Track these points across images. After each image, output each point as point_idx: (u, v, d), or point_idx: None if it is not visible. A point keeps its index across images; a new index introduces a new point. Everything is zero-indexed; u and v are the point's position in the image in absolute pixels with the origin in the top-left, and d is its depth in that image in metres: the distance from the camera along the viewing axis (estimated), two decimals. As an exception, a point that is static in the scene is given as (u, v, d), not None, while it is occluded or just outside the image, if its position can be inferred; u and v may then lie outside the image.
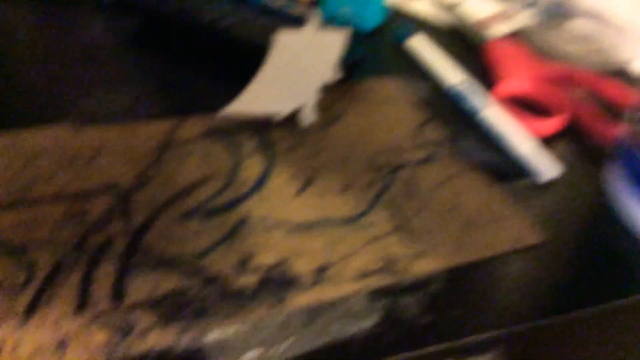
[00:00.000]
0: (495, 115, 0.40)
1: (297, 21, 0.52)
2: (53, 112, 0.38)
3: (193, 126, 0.38)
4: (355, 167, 0.36)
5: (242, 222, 0.31)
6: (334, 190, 0.34)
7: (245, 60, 0.44)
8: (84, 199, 0.32)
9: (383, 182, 0.35)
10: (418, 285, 0.28)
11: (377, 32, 0.54)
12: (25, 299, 0.26)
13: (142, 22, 0.52)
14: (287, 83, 0.40)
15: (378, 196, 0.34)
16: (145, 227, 0.30)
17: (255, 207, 0.32)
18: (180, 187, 0.33)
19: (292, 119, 0.39)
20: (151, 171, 0.34)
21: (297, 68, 0.40)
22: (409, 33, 0.51)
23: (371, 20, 0.53)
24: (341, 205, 0.33)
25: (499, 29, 0.54)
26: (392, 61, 0.50)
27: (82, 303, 0.26)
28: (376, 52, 0.51)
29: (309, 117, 0.38)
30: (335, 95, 0.43)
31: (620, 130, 0.36)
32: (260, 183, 0.34)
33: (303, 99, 0.38)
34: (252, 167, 0.35)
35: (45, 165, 0.34)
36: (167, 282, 0.27)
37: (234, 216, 0.31)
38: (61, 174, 0.33)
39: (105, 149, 0.35)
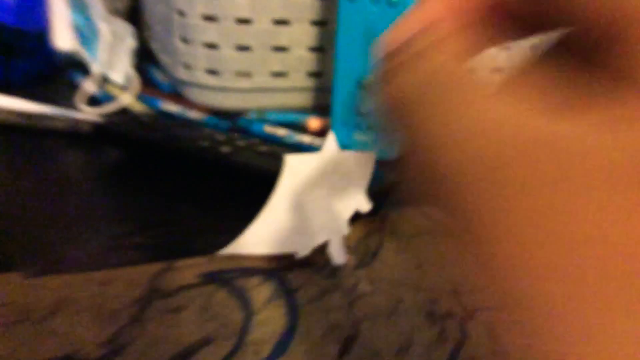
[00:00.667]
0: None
1: (304, 149, 0.45)
2: (11, 257, 0.29)
3: (186, 270, 0.29)
4: (410, 317, 0.26)
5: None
6: (386, 352, 0.24)
7: (246, 190, 0.36)
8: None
9: (453, 335, 0.25)
10: None
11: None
12: None
13: (126, 152, 0.44)
14: (305, 215, 0.31)
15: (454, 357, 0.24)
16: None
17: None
18: (170, 355, 0.23)
19: (314, 258, 0.30)
20: (127, 334, 0.24)
21: (316, 197, 0.32)
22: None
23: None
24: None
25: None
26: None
27: None
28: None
29: (339, 255, 0.29)
30: (368, 229, 0.34)
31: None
32: (283, 345, 0.24)
33: (328, 234, 0.29)
34: (270, 323, 0.25)
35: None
36: None
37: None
38: (4, 341, 0.23)
39: (66, 305, 0.25)
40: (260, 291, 0.27)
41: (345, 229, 0.30)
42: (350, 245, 0.32)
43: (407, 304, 0.27)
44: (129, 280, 0.28)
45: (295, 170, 0.32)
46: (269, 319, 0.25)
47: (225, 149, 0.38)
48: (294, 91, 0.53)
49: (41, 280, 0.27)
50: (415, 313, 0.26)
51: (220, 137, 0.40)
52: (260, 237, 0.30)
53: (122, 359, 0.22)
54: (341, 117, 0.45)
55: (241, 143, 0.40)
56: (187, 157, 0.39)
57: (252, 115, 0.51)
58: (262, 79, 0.52)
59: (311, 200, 0.31)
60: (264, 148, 0.39)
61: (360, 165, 0.31)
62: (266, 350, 0.23)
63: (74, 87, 0.58)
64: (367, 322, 0.26)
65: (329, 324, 0.25)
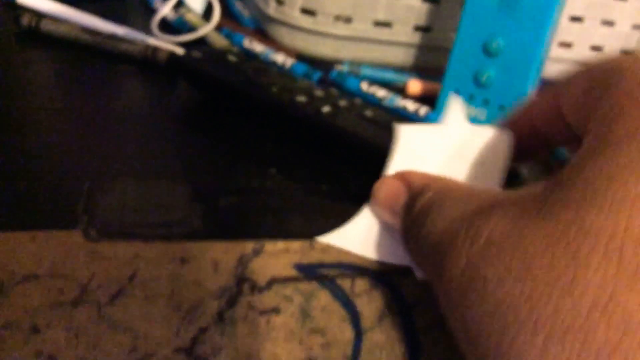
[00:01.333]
0: None
1: (406, 118, 0.39)
2: (69, 208, 0.24)
3: (279, 257, 0.23)
4: None
5: None
6: None
7: (349, 163, 0.30)
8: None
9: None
10: None
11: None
12: None
13: (204, 92, 0.38)
14: None
15: None
16: None
17: None
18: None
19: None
20: (211, 340, 0.19)
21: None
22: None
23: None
24: None
25: None
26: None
27: None
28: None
29: None
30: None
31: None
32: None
33: None
34: (386, 349, 0.20)
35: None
36: None
37: None
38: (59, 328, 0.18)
39: (134, 286, 0.20)
40: (371, 300, 0.22)
41: None
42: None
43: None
44: (214, 260, 0.22)
45: (411, 146, 0.26)
46: (385, 343, 0.20)
47: (326, 109, 0.31)
48: (396, 46, 0.46)
49: (106, 246, 0.22)
50: None
51: (319, 92, 0.34)
52: (364, 235, 0.25)
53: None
54: (456, 84, 0.38)
55: (343, 103, 0.33)
56: (276, 111, 0.33)
57: (345, 68, 0.45)
58: (362, 27, 0.45)
59: None
60: (369, 112, 0.33)
61: (496, 147, 0.25)
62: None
63: (148, 10, 0.53)
64: None
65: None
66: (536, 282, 0.13)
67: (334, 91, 0.36)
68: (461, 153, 0.24)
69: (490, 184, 0.24)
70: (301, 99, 0.32)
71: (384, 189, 0.23)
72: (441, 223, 0.18)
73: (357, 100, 0.35)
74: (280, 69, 0.40)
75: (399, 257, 0.24)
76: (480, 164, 0.24)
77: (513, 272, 0.14)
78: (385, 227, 0.24)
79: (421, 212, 0.19)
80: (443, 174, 0.24)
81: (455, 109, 0.25)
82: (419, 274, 0.23)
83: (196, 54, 0.36)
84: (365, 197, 0.25)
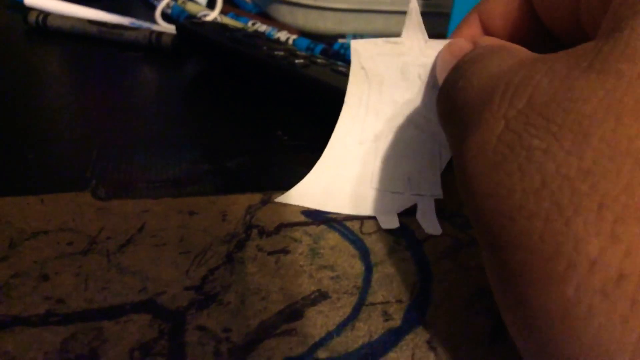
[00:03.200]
0: None
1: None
2: (82, 177, 0.24)
3: (287, 205, 0.23)
4: None
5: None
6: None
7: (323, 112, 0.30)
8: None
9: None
10: None
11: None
12: None
13: (203, 61, 0.39)
14: (385, 153, 0.24)
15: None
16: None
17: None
18: (277, 310, 0.17)
19: (441, 202, 0.23)
20: (221, 278, 0.18)
21: (397, 120, 0.24)
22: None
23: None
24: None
25: None
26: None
27: None
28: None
29: (432, 222, 0.23)
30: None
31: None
32: (419, 312, 0.18)
33: (417, 190, 0.23)
34: (397, 280, 0.19)
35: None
36: None
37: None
38: (69, 275, 0.18)
39: (143, 236, 0.20)
40: (380, 238, 0.22)
41: (438, 189, 0.23)
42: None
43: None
44: (222, 211, 0.22)
45: (367, 61, 0.23)
46: (396, 274, 0.20)
47: (299, 61, 0.32)
48: (398, 15, 0.46)
49: (114, 203, 0.22)
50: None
51: (301, 53, 0.35)
52: (322, 189, 0.24)
53: (215, 311, 0.17)
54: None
55: (320, 61, 0.34)
56: (257, 64, 0.33)
57: (347, 40, 0.45)
58: (362, -2, 0.45)
59: (394, 130, 0.23)
60: (343, 68, 0.33)
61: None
62: (397, 314, 0.18)
63: (149, 4, 0.53)
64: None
65: (473, 287, 0.19)
66: (598, 152, 0.10)
67: (318, 55, 0.37)
68: (423, 74, 0.22)
69: None
70: (279, 53, 0.33)
71: (450, 50, 0.20)
72: (479, 79, 0.14)
73: (340, 63, 0.36)
74: (282, 43, 0.41)
75: (359, 208, 0.23)
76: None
77: (566, 141, 0.11)
78: (343, 178, 0.24)
79: (463, 64, 0.16)
80: (404, 100, 0.23)
81: (413, 21, 0.21)
82: (384, 223, 0.22)
83: (197, 21, 0.37)
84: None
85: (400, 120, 0.23)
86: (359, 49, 0.22)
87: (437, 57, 0.20)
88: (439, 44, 0.21)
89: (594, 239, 0.10)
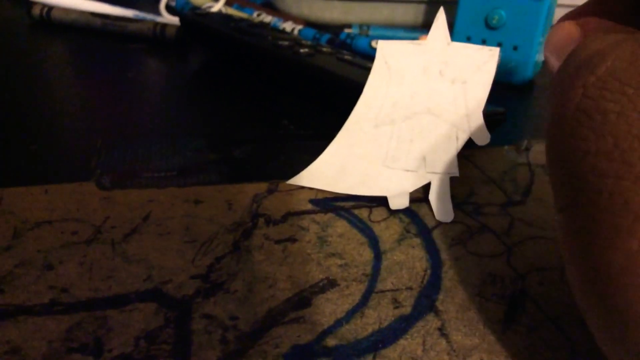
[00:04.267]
0: None
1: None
2: (86, 168, 0.24)
3: (295, 194, 0.23)
4: None
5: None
6: (567, 319, 0.17)
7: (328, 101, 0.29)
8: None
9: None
10: None
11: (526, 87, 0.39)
12: None
13: (207, 52, 0.39)
14: (400, 139, 0.24)
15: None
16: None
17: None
18: (284, 298, 0.17)
19: (452, 189, 0.23)
20: (228, 267, 0.18)
21: (415, 110, 0.24)
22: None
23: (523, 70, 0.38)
24: None
25: None
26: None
27: None
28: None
29: (444, 208, 0.22)
30: (511, 160, 0.27)
31: None
32: (429, 298, 0.17)
33: (431, 171, 0.23)
34: (407, 267, 0.19)
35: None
36: None
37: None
38: (74, 264, 0.18)
39: (148, 225, 0.20)
40: (389, 226, 0.21)
41: (455, 168, 0.23)
42: (494, 179, 0.25)
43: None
44: (228, 200, 0.22)
45: (391, 61, 0.24)
46: (405, 261, 0.19)
47: (304, 50, 0.31)
48: (405, 4, 0.46)
49: (119, 193, 0.22)
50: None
51: (305, 42, 0.34)
52: (334, 171, 0.24)
53: (222, 299, 0.17)
54: (467, 30, 0.37)
55: (325, 50, 0.33)
56: (262, 54, 0.33)
57: (354, 30, 0.44)
58: (369, -13, 0.45)
59: (410, 115, 0.24)
60: (349, 57, 0.32)
61: (481, 64, 0.23)
62: (407, 301, 0.17)
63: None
64: (536, 276, 0.19)
65: (484, 273, 0.19)
66: None
67: (324, 44, 0.36)
68: (443, 71, 0.23)
69: (474, 103, 0.23)
70: (284, 42, 0.33)
71: (557, 33, 0.20)
72: (577, 57, 0.15)
73: (345, 51, 0.35)
74: (275, 27, 0.40)
75: (371, 188, 0.23)
76: (463, 83, 0.23)
77: (638, 104, 0.11)
78: (356, 159, 0.24)
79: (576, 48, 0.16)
80: (423, 91, 0.23)
81: (439, 26, 0.23)
82: (394, 203, 0.22)
83: (202, 12, 0.37)
84: (333, 135, 0.24)
85: (417, 108, 0.23)
86: (384, 48, 0.23)
87: (547, 38, 0.20)
88: (460, 47, 0.23)
89: None
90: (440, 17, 0.23)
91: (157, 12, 0.45)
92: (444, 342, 0.16)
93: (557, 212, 0.14)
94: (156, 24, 0.41)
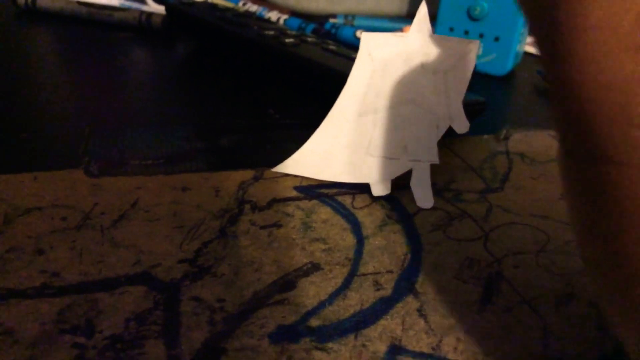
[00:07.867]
0: None
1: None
2: (74, 155, 0.24)
3: (280, 182, 0.23)
4: (562, 258, 0.20)
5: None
6: (543, 302, 0.18)
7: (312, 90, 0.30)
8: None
9: None
10: None
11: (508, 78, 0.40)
12: None
13: (193, 41, 0.39)
14: (385, 127, 0.24)
15: None
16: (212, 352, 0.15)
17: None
18: (270, 282, 0.18)
19: (433, 177, 0.24)
20: (215, 252, 0.19)
21: (398, 100, 0.24)
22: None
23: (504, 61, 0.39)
24: None
25: None
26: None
27: None
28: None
29: (425, 194, 0.23)
30: (490, 148, 0.28)
31: None
32: (409, 280, 0.18)
33: (414, 158, 0.23)
34: (388, 251, 0.20)
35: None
36: None
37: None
38: (64, 249, 0.18)
39: (136, 211, 0.21)
40: (371, 212, 0.22)
41: (435, 156, 0.23)
42: (474, 167, 0.26)
43: (555, 242, 0.21)
44: (215, 187, 0.23)
45: (374, 53, 0.24)
46: (387, 246, 0.20)
47: (289, 40, 0.32)
48: (389, -6, 0.46)
49: (107, 180, 0.22)
50: (570, 253, 0.20)
51: (290, 32, 0.35)
52: (318, 159, 0.24)
53: (209, 282, 0.17)
54: (449, 21, 0.38)
55: (310, 39, 0.34)
56: (248, 44, 0.33)
57: (339, 20, 0.45)
58: (354, -23, 0.45)
59: (393, 105, 0.24)
60: (333, 47, 0.33)
61: (461, 56, 0.23)
62: (388, 284, 0.18)
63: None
64: (512, 260, 0.20)
65: (462, 257, 0.20)
66: None
67: (309, 34, 0.37)
68: (425, 62, 0.23)
69: (455, 93, 0.24)
70: (269, 32, 0.33)
71: None
72: None
73: (330, 41, 0.36)
74: (273, 24, 0.41)
75: (354, 176, 0.24)
76: (444, 73, 0.24)
77: None
78: (340, 147, 0.24)
79: None
80: (405, 82, 0.24)
81: (421, 18, 0.23)
82: (376, 189, 0.23)
83: (187, 1, 0.37)
84: (318, 124, 0.25)
85: (400, 98, 0.23)
86: (368, 39, 0.24)
87: None
88: (441, 39, 0.23)
89: None
90: (422, 10, 0.23)
91: (142, 1, 0.45)
92: (422, 322, 0.17)
93: (576, 160, 0.11)
94: (142, 12, 0.41)
